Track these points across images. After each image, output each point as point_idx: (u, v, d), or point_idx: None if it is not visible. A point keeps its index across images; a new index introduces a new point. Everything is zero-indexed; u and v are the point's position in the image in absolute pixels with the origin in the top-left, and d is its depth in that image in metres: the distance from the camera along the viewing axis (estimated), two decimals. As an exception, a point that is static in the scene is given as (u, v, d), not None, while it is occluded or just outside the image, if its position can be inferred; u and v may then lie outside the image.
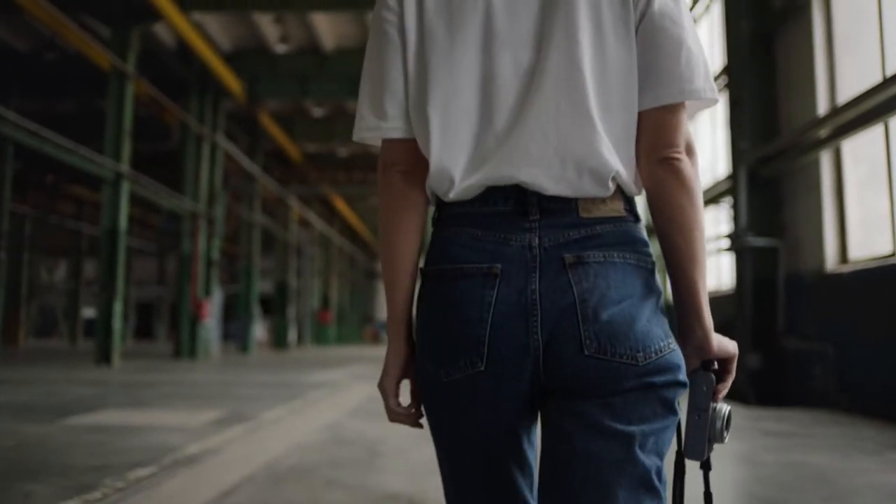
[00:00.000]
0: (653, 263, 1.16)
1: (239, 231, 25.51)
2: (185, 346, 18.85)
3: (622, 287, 1.10)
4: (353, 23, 18.90)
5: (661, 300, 1.16)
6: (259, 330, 28.34)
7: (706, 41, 12.92)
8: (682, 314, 1.18)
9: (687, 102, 1.14)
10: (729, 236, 10.15)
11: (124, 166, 15.22)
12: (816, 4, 8.86)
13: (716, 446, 1.16)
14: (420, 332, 1.18)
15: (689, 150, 1.14)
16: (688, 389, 1.16)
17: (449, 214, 1.19)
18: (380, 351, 29.11)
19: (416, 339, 1.21)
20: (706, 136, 13.52)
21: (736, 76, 10.02)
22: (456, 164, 1.15)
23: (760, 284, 9.55)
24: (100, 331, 15.04)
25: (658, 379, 1.09)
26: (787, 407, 8.56)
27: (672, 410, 1.11)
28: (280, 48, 18.72)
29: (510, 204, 1.13)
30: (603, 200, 1.13)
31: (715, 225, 13.01)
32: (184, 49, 18.68)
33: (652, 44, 1.13)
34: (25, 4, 14.19)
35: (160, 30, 18.04)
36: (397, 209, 1.23)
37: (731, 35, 10.26)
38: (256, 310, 24.95)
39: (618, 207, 1.14)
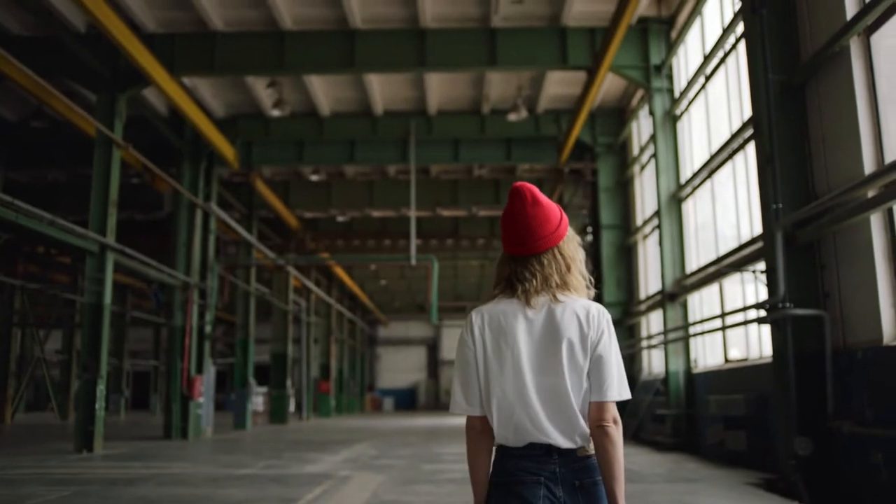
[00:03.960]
0: (600, 480, 2.20)
1: (234, 300, 24.60)
2: (176, 425, 17.78)
3: (598, 497, 2.17)
4: (349, 86, 18.32)
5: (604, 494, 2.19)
6: (256, 401, 27.24)
7: (734, 90, 12.26)
8: (608, 500, 2.20)
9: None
10: (765, 306, 9.23)
11: (110, 238, 14.39)
12: (856, 52, 8.10)
13: None
14: None
15: (615, 421, 2.19)
16: None
17: (509, 453, 2.24)
18: (386, 422, 28.22)
19: None
20: (729, 196, 12.70)
21: (765, 131, 9.23)
22: (507, 434, 2.24)
23: (804, 359, 8.60)
24: (80, 415, 14.01)
25: None
26: (849, 504, 7.51)
27: None
28: (275, 113, 18.09)
29: (542, 450, 2.20)
30: (583, 448, 2.21)
31: (740, 292, 12.11)
32: (175, 115, 18.09)
33: (594, 366, 2.21)
34: (9, 72, 13.60)
35: (151, 96, 17.45)
36: (477, 451, 2.31)
37: (757, 88, 9.52)
38: (253, 381, 23.88)
39: (588, 451, 2.21)
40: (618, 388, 2.20)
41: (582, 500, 2.15)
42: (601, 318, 2.22)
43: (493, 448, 2.31)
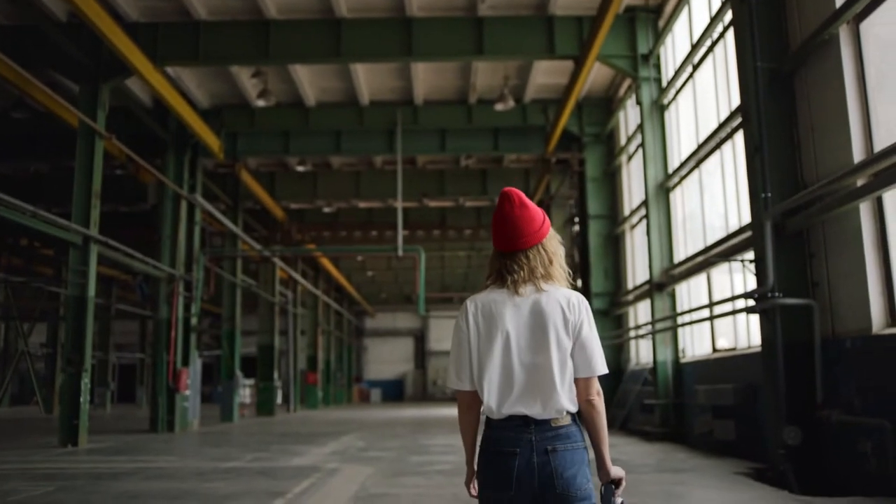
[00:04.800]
0: (584, 447, 2.52)
1: (220, 292, 24.44)
2: (163, 418, 17.66)
3: (571, 461, 2.47)
4: (335, 76, 18.17)
5: (588, 460, 2.51)
6: (244, 393, 27.07)
7: (722, 79, 12.21)
8: (596, 458, 2.59)
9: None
10: (754, 295, 9.21)
11: (93, 229, 14.21)
12: (845, 40, 8.05)
13: None
14: (481, 473, 2.57)
15: (598, 393, 2.57)
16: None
17: (493, 425, 2.57)
18: (373, 414, 28.16)
19: (478, 475, 2.60)
20: (717, 185, 12.68)
21: (754, 120, 9.18)
22: (493, 407, 2.54)
23: (793, 348, 8.59)
24: (65, 409, 13.87)
25: (581, 497, 2.45)
26: (838, 496, 7.47)
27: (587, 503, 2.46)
28: (260, 103, 17.92)
29: (520, 421, 2.51)
30: (562, 418, 2.50)
31: (728, 282, 12.10)
32: (159, 106, 17.89)
33: (580, 347, 2.54)
34: (-12, 61, 13.37)
35: (135, 86, 17.24)
36: (466, 420, 2.70)
37: (746, 76, 9.47)
38: (240, 373, 23.76)
39: (568, 421, 2.52)
40: (601, 365, 2.55)
41: (553, 463, 2.43)
42: (581, 305, 2.57)
43: (481, 419, 2.70)
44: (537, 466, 2.44)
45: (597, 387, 2.56)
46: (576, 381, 2.54)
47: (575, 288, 2.70)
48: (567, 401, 2.50)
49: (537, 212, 2.66)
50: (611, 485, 2.55)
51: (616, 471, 2.56)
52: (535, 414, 2.49)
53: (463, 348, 2.62)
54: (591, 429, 2.55)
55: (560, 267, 2.66)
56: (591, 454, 2.59)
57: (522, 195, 2.66)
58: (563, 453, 2.45)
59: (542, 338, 2.51)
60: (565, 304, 2.54)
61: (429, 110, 19.73)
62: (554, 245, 2.67)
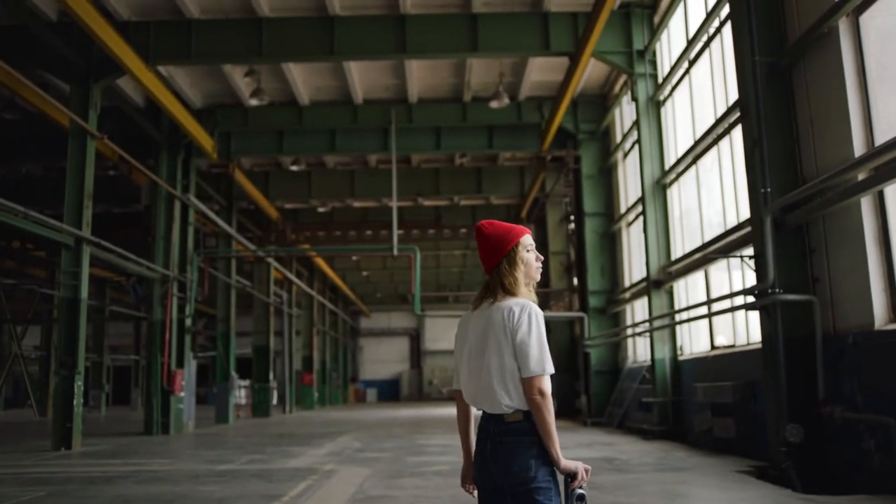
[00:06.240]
0: (531, 440, 2.75)
1: (214, 293, 24.28)
2: (157, 420, 17.51)
3: (514, 452, 2.75)
4: (329, 74, 18.05)
5: (537, 453, 2.75)
6: (239, 394, 26.93)
7: (718, 74, 12.10)
8: (548, 454, 2.77)
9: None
10: (754, 292, 9.12)
11: (85, 230, 14.07)
12: (845, 32, 7.96)
13: None
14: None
15: (540, 392, 2.72)
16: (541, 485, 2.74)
17: (480, 417, 2.93)
18: (369, 414, 28.03)
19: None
20: (714, 181, 12.59)
21: (752, 114, 9.09)
22: (469, 402, 3.01)
23: (794, 345, 8.50)
24: (58, 412, 13.73)
25: (528, 486, 2.71)
26: (842, 494, 7.37)
27: (538, 494, 2.71)
28: (254, 102, 17.78)
29: (486, 416, 2.87)
30: (511, 413, 2.78)
31: (726, 279, 12.02)
32: (152, 106, 17.75)
33: (517, 350, 2.77)
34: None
35: (128, 86, 17.08)
36: (459, 414, 3.09)
37: (744, 70, 9.37)
38: (235, 374, 23.61)
39: (518, 416, 2.78)
40: (536, 366, 2.74)
41: (501, 453, 2.75)
42: (521, 311, 2.81)
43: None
44: (490, 455, 2.79)
45: (538, 385, 2.73)
46: (522, 380, 2.78)
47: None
48: (510, 399, 2.79)
49: (497, 237, 2.95)
50: (567, 478, 2.73)
51: (568, 464, 2.73)
52: (489, 410, 2.84)
53: (455, 356, 3.10)
54: (537, 425, 2.75)
55: (519, 277, 2.92)
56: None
57: (485, 227, 3.00)
58: (508, 445, 2.75)
59: (484, 345, 2.85)
60: (507, 312, 2.82)
61: (423, 108, 19.61)
62: (514, 258, 2.93)
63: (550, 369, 2.76)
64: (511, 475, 2.74)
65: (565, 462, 2.73)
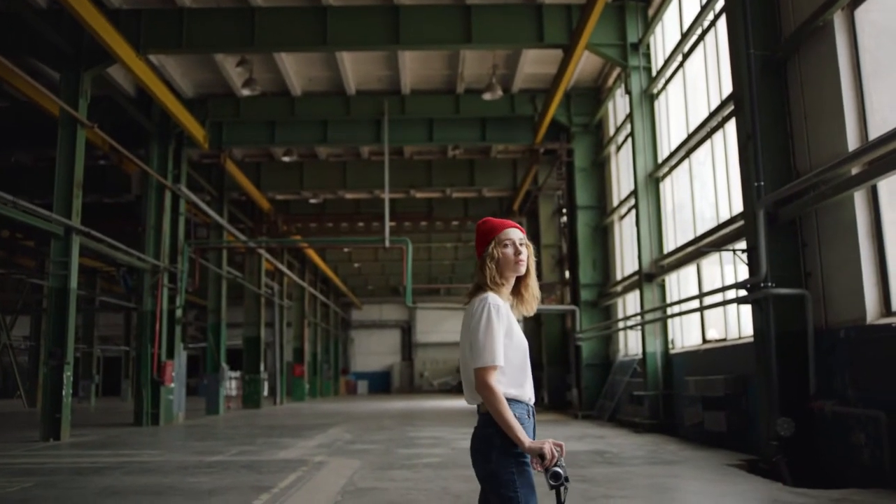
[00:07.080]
0: (495, 431, 2.76)
1: (205, 284, 24.18)
2: (147, 411, 17.44)
3: (479, 440, 2.84)
4: (321, 65, 17.96)
5: (500, 444, 2.77)
6: (229, 386, 26.84)
7: (712, 68, 12.07)
8: None
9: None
10: (746, 285, 9.11)
11: (75, 220, 13.97)
12: (840, 26, 7.94)
13: None
14: None
15: (484, 385, 2.76)
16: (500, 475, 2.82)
17: None
18: (360, 406, 27.98)
19: None
20: (707, 175, 12.57)
21: (746, 108, 9.07)
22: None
23: (786, 339, 8.51)
24: (47, 402, 13.65)
25: (490, 478, 2.78)
26: (832, 488, 7.37)
27: (500, 484, 2.76)
28: (245, 92, 17.67)
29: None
30: (482, 405, 2.85)
31: (718, 273, 12.02)
32: (143, 95, 17.62)
33: (470, 346, 2.83)
34: (-35, 48, 13.08)
35: (118, 75, 16.96)
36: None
37: (738, 63, 9.35)
38: (225, 365, 23.54)
39: (486, 408, 2.82)
40: (479, 358, 2.78)
41: (473, 444, 2.87)
42: (477, 306, 2.87)
43: None
44: (471, 447, 2.91)
45: (482, 378, 2.77)
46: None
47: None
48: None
49: (479, 234, 3.03)
50: (541, 459, 2.67)
51: (532, 444, 2.69)
52: (470, 402, 2.96)
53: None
54: (489, 410, 2.80)
55: (490, 272, 2.94)
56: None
57: (478, 225, 3.07)
58: (477, 437, 2.86)
59: (462, 340, 2.95)
60: (471, 308, 2.91)
61: (416, 100, 19.54)
62: (485, 256, 2.97)
63: (495, 361, 2.77)
64: (479, 465, 2.85)
65: (529, 443, 2.71)
